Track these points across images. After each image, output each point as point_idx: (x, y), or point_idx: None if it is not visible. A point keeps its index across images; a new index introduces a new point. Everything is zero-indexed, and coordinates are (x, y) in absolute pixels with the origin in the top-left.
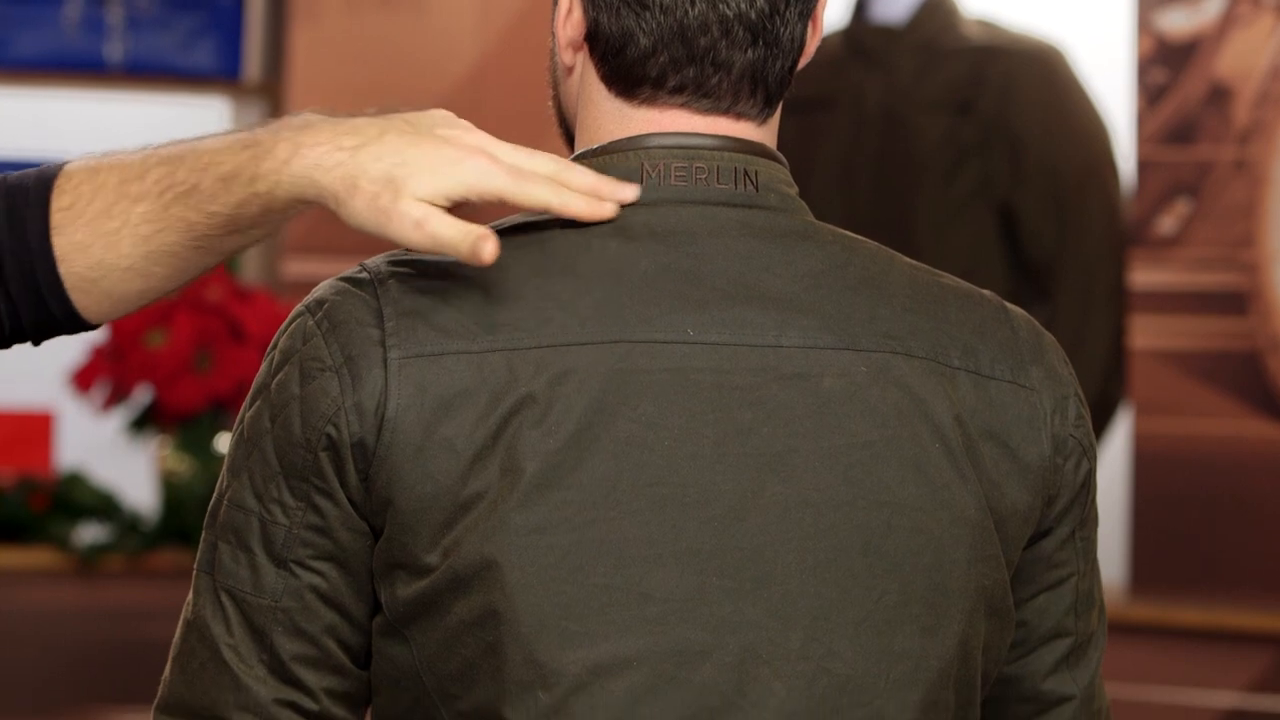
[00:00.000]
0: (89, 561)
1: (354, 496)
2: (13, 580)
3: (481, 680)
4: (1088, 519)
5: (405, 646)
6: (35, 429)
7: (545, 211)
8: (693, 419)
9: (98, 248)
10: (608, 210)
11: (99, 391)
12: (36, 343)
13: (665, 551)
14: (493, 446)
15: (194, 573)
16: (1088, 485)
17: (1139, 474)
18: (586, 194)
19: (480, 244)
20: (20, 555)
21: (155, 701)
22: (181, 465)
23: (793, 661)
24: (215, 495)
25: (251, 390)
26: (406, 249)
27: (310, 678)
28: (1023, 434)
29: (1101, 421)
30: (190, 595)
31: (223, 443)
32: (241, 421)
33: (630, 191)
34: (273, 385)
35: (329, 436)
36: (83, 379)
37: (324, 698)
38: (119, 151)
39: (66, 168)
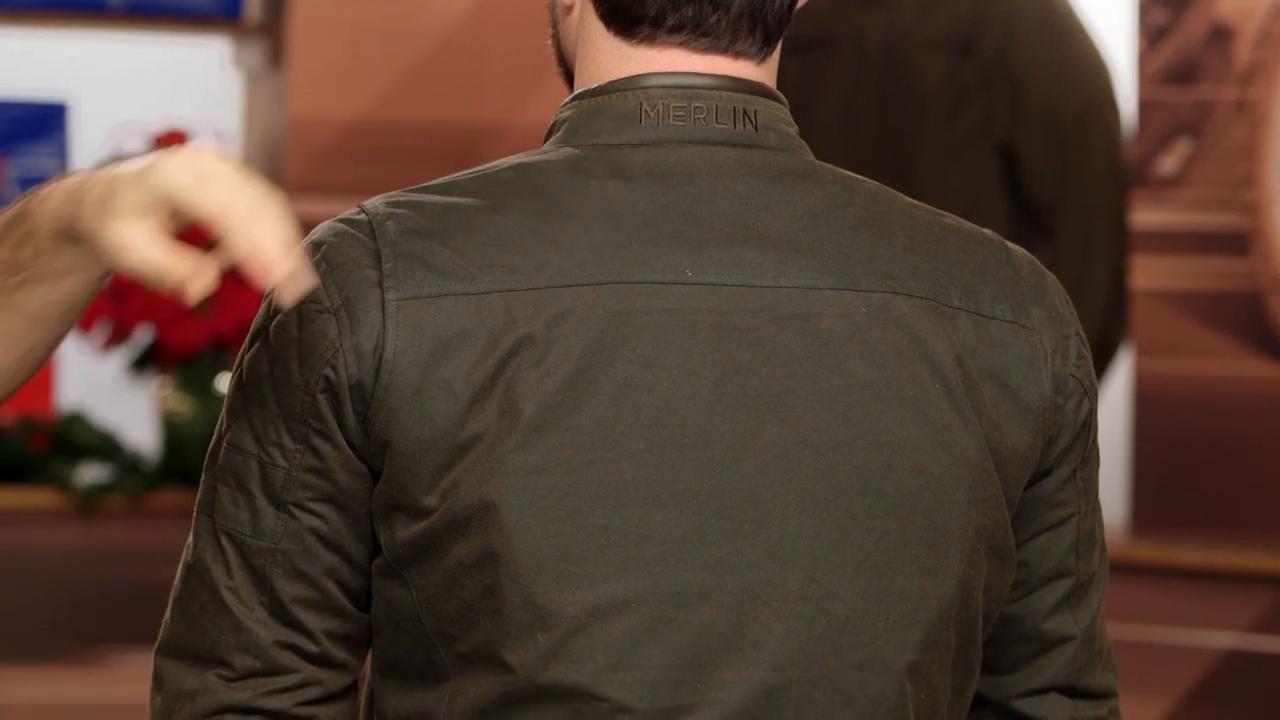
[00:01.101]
0: (90, 502)
1: (352, 439)
2: (13, 520)
3: (480, 622)
4: (1089, 459)
5: (404, 588)
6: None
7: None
8: (691, 360)
9: None
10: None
11: (100, 331)
12: None
13: (663, 493)
14: (491, 388)
15: (194, 515)
16: (1089, 425)
17: (1139, 414)
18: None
19: (187, 283)
20: (21, 495)
21: (156, 644)
22: (182, 405)
23: (792, 602)
24: (215, 437)
25: (250, 332)
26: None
27: (310, 620)
28: (1023, 374)
29: (1102, 362)
30: (190, 538)
31: (223, 383)
32: (240, 364)
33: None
34: (271, 328)
35: (327, 379)
36: (83, 319)
37: (324, 640)
38: None
39: None
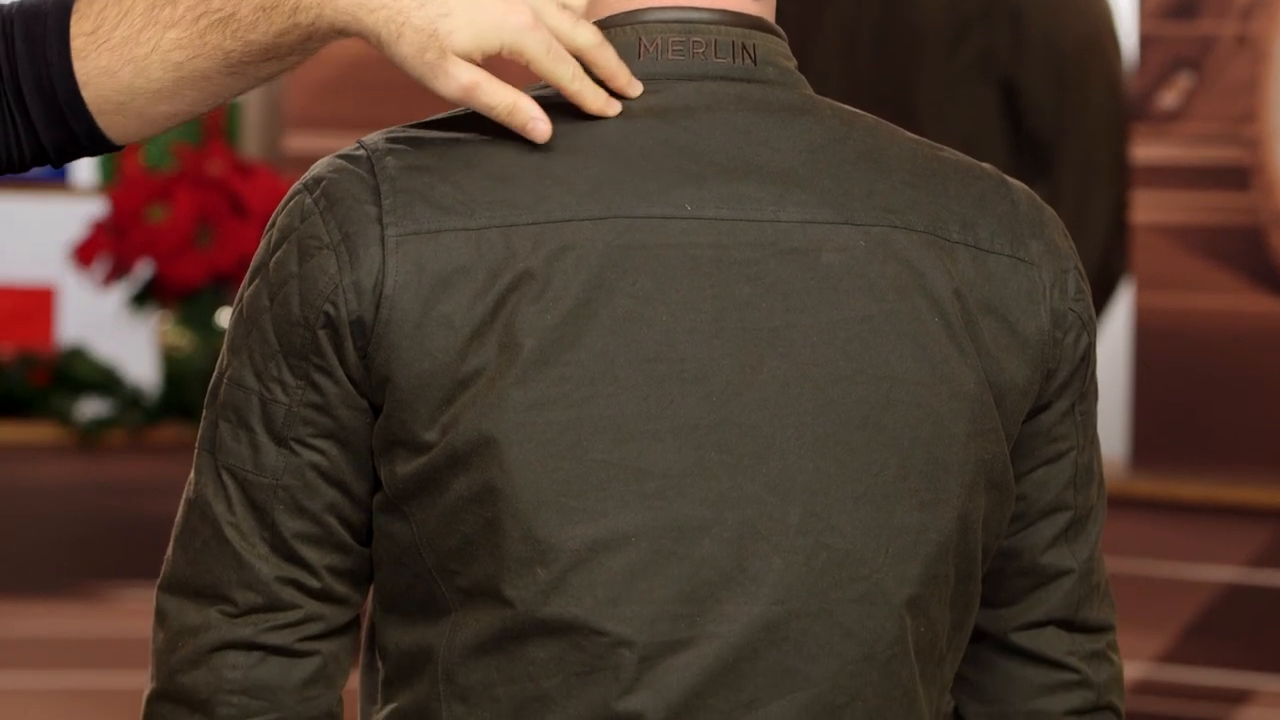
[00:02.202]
0: (90, 436)
1: (353, 374)
2: (14, 455)
3: (480, 557)
4: (1087, 393)
5: (405, 523)
6: (36, 304)
7: (555, 89)
8: (691, 294)
9: (126, 73)
10: (613, 109)
11: (100, 267)
12: (58, 164)
13: (663, 427)
14: (491, 323)
15: (195, 451)
16: (1087, 359)
17: (1140, 349)
18: (608, 76)
19: (533, 126)
20: (22, 430)
21: (158, 580)
22: (183, 340)
23: (791, 536)
24: (215, 374)
25: (250, 268)
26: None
27: (312, 555)
28: (1022, 308)
29: (1103, 297)
30: (192, 474)
31: (224, 318)
32: (240, 300)
33: (636, 89)
34: (271, 264)
35: (327, 315)
36: (84, 254)
37: (326, 575)
38: None
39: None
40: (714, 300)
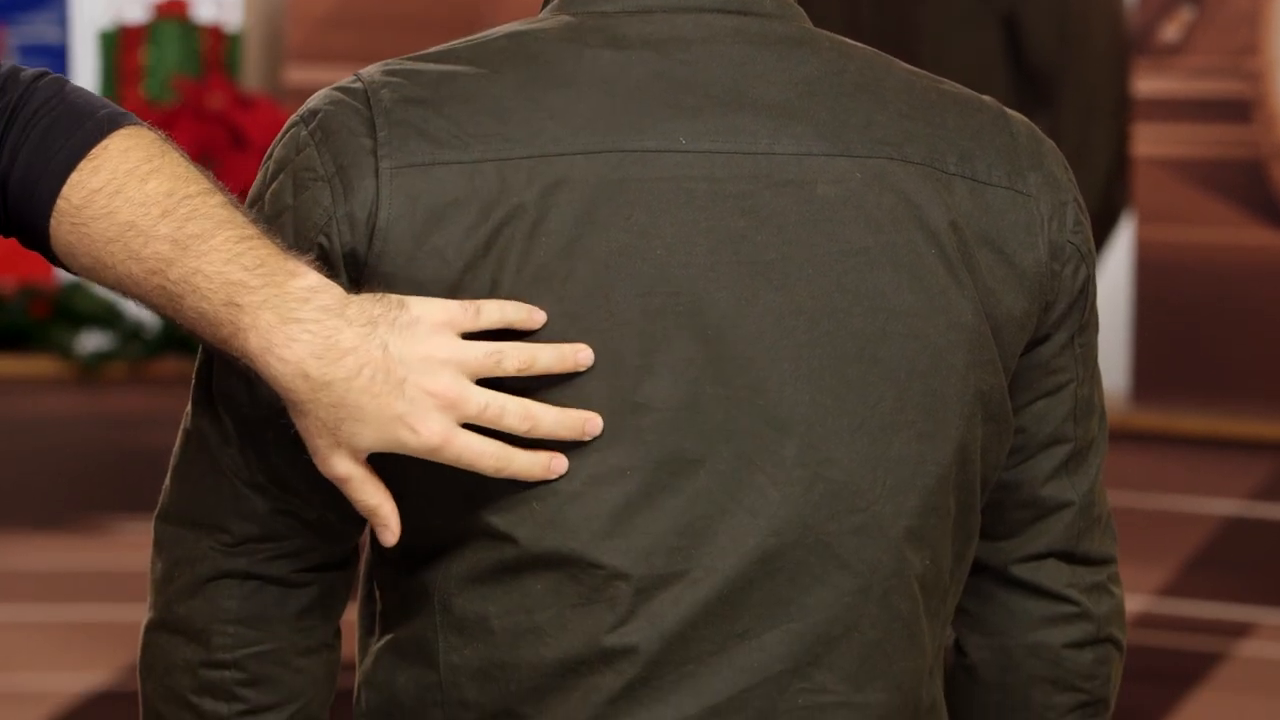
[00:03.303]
0: (91, 369)
1: None
2: (15, 388)
3: (475, 492)
4: (1087, 325)
5: (397, 463)
6: None
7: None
8: (685, 227)
9: (87, 259)
10: (557, 467)
11: None
12: (6, 236)
13: (658, 361)
14: (484, 256)
15: (192, 383)
16: (1086, 291)
17: (1141, 282)
18: (550, 437)
19: (380, 532)
20: (22, 363)
21: (156, 511)
22: None
23: (788, 468)
24: None
25: (247, 200)
26: None
27: (308, 488)
28: (1019, 240)
29: (1104, 230)
30: (189, 406)
31: None
32: None
33: (595, 427)
34: (267, 195)
35: (321, 246)
36: None
37: (322, 507)
38: (155, 148)
39: (113, 141)
40: (709, 234)
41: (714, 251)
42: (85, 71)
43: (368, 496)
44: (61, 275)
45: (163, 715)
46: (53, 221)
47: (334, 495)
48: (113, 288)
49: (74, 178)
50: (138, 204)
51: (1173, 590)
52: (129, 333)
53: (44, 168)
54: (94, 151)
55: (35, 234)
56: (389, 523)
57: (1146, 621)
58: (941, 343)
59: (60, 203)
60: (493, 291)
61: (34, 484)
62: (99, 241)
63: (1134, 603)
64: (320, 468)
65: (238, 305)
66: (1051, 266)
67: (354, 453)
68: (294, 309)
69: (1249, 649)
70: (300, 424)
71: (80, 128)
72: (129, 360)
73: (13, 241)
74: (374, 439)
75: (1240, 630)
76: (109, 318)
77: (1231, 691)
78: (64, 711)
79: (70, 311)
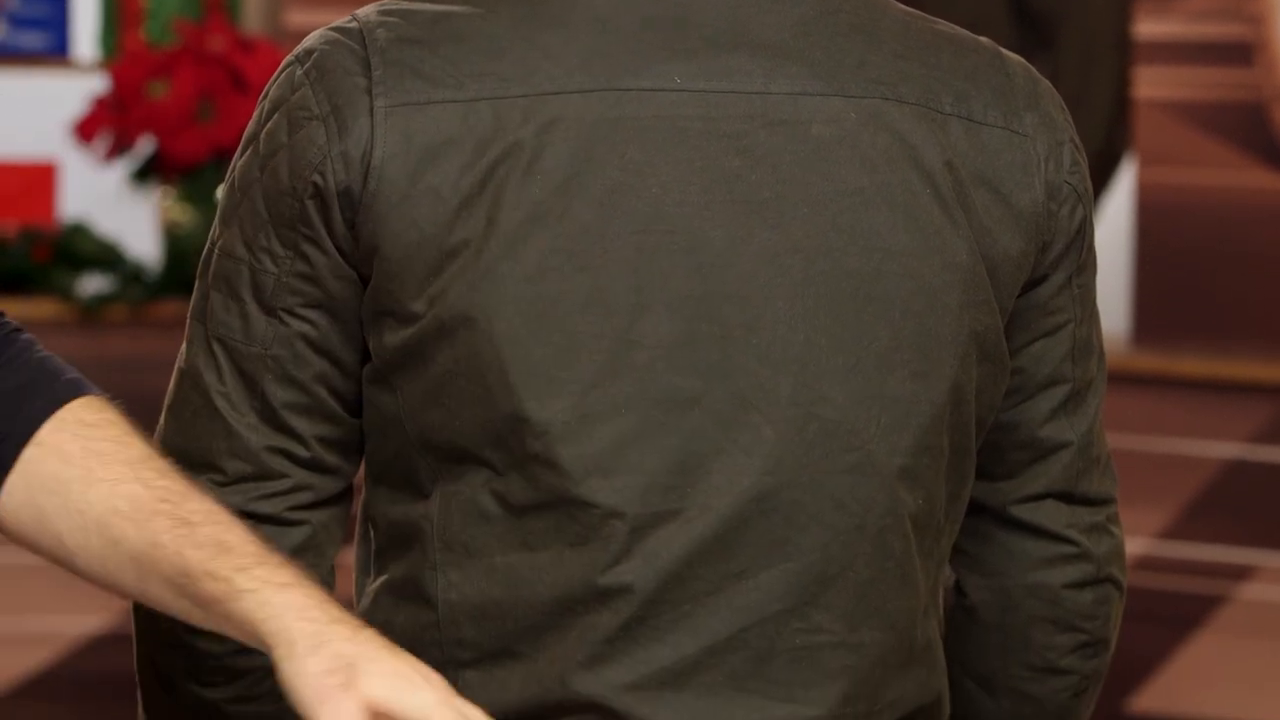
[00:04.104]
0: (92, 312)
1: (341, 245)
2: None
3: (466, 429)
4: (1085, 265)
5: (392, 395)
6: (38, 180)
7: None
8: (680, 166)
9: (34, 534)
10: None
11: (102, 142)
12: None
13: (653, 299)
14: (479, 195)
15: (188, 321)
16: (1083, 231)
17: (1141, 225)
18: None
19: None
20: (23, 306)
21: None
22: (184, 216)
23: (782, 407)
24: (208, 244)
25: (243, 139)
26: None
27: (302, 425)
28: (1015, 180)
29: (1105, 173)
30: (184, 344)
31: None
32: (233, 171)
33: None
34: (262, 135)
35: (315, 185)
36: (85, 129)
37: (316, 445)
38: (111, 428)
39: (71, 413)
40: (703, 172)
41: (708, 190)
42: (86, 15)
43: None
44: (63, 217)
45: (155, 656)
46: (14, 471)
47: (328, 435)
48: (63, 563)
49: (41, 435)
50: (106, 489)
51: (1173, 533)
52: (130, 275)
53: (27, 406)
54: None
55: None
56: None
57: (1146, 564)
58: (936, 283)
59: (31, 453)
60: (488, 229)
61: None
62: (65, 527)
63: (1134, 546)
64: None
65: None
66: (1048, 206)
67: (367, 700)
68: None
69: (1250, 592)
70: (305, 669)
71: (54, 386)
72: (130, 303)
73: (13, 184)
74: (389, 681)
75: (1241, 573)
76: (110, 260)
77: (1232, 634)
78: (69, 653)
79: (71, 254)
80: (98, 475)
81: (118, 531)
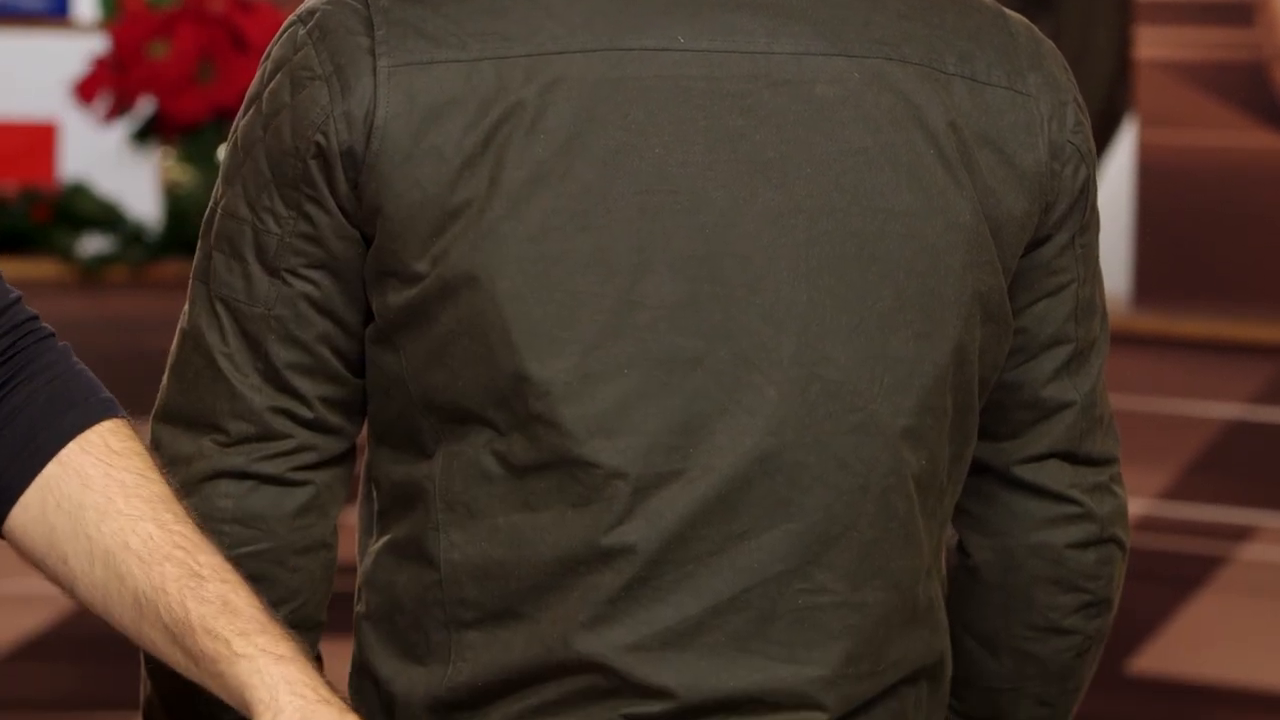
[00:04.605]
0: (92, 272)
1: (344, 204)
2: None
3: (469, 389)
4: (1088, 226)
5: (395, 355)
6: (38, 140)
7: None
8: (683, 126)
9: (42, 551)
10: None
11: (102, 102)
12: None
13: (656, 259)
14: (482, 154)
15: (190, 282)
16: (1086, 191)
17: (1142, 185)
18: None
19: None
20: (23, 266)
21: (153, 410)
22: (185, 176)
23: (785, 367)
24: (210, 204)
25: (245, 99)
26: None
27: (305, 385)
28: (1019, 140)
29: (1106, 133)
30: (186, 305)
31: None
32: (235, 130)
33: None
34: (264, 94)
35: (318, 145)
36: (86, 90)
37: (319, 405)
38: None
39: (99, 435)
40: (707, 132)
41: (712, 150)
42: None
43: None
44: (63, 178)
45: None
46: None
47: (331, 395)
48: (65, 588)
49: (52, 469)
50: (132, 555)
51: (1173, 494)
52: (130, 236)
53: (38, 434)
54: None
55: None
56: None
57: (1147, 525)
58: (939, 243)
59: (36, 493)
60: (490, 189)
61: None
62: (91, 576)
63: (1134, 506)
64: None
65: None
66: (1052, 166)
67: None
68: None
69: (1250, 552)
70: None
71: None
72: (130, 263)
73: (14, 144)
74: None
75: (1241, 534)
76: (110, 220)
77: (1232, 594)
78: (69, 614)
79: (71, 214)
80: (117, 507)
81: (124, 568)
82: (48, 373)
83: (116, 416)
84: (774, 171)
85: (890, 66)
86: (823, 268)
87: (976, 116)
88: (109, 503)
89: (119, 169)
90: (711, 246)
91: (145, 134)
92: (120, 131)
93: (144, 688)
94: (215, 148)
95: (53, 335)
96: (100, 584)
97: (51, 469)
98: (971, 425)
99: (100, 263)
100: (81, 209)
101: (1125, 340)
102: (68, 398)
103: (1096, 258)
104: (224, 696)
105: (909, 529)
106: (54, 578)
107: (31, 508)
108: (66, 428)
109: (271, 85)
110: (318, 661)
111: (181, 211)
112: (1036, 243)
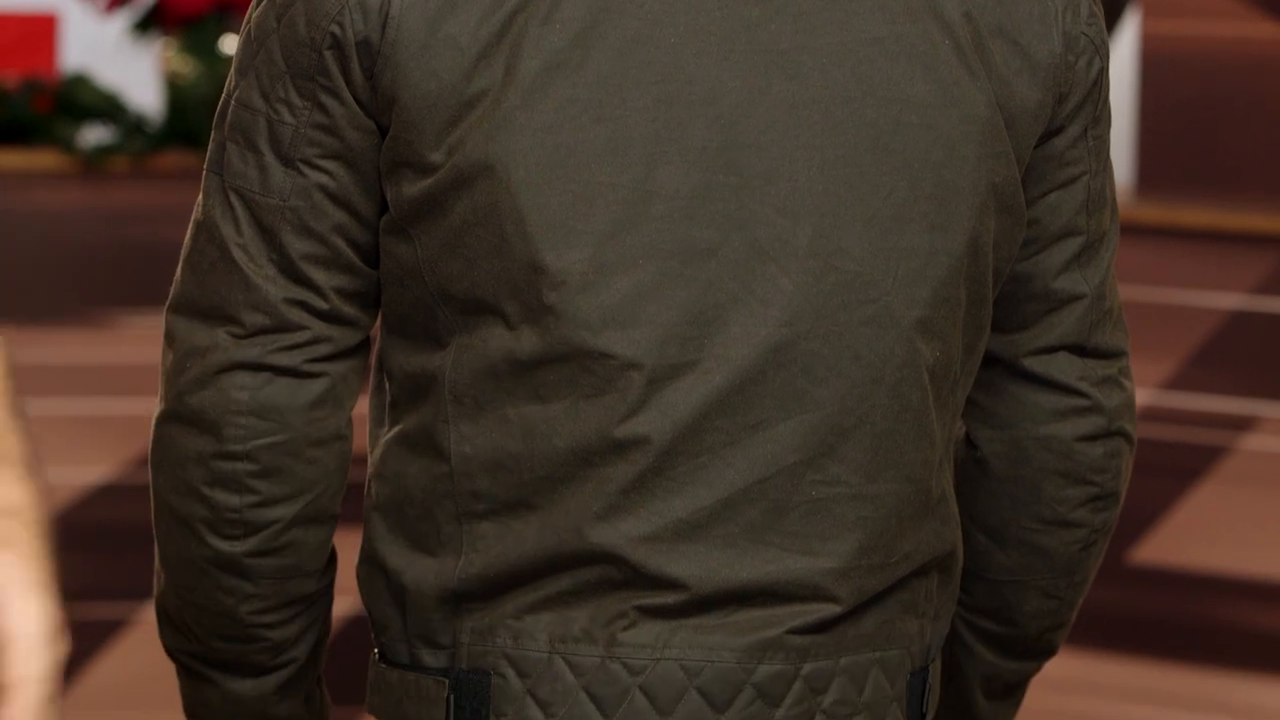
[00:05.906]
0: (93, 163)
1: (360, 95)
2: (17, 182)
3: (483, 279)
4: (1100, 118)
5: (410, 245)
6: (39, 30)
7: None
8: (699, 16)
9: None
10: None
11: None
12: None
13: (671, 149)
14: (498, 44)
15: (204, 173)
16: (1099, 83)
17: (1146, 76)
18: None
19: None
20: (24, 157)
21: (168, 302)
22: (186, 67)
23: (800, 258)
24: (224, 95)
25: None
26: None
27: (320, 276)
28: (1034, 31)
29: (1110, 22)
30: (200, 196)
31: (228, 44)
32: (249, 21)
33: None
34: None
35: (333, 35)
36: None
37: (334, 296)
38: None
39: None
40: (722, 22)
41: (727, 40)
42: None
43: None
44: (64, 68)
45: (174, 507)
46: None
47: (346, 287)
48: None
49: None
50: None
51: (1175, 384)
52: (131, 126)
53: None
54: None
55: None
56: None
57: (1149, 415)
58: (954, 134)
59: None
60: (506, 79)
61: (37, 278)
62: None
63: (1138, 396)
64: None
65: None
66: (1066, 58)
67: None
68: None
69: (1252, 442)
70: None
71: None
72: (132, 154)
73: (14, 35)
74: None
75: (1243, 424)
76: (111, 111)
77: (1234, 484)
78: (69, 504)
79: (72, 105)
80: None
81: None
82: None
83: None
84: (789, 62)
85: None
86: (838, 158)
87: (991, 7)
88: None
89: (120, 59)
90: (726, 137)
91: (146, 24)
92: (121, 22)
93: (157, 580)
94: (216, 39)
95: None
96: None
97: None
98: (985, 317)
99: (101, 153)
100: (82, 100)
101: (1128, 230)
102: None
103: (1108, 150)
104: None
105: (922, 421)
106: None
107: None
108: None
109: None
110: (331, 558)
111: (182, 102)
112: (1050, 134)
